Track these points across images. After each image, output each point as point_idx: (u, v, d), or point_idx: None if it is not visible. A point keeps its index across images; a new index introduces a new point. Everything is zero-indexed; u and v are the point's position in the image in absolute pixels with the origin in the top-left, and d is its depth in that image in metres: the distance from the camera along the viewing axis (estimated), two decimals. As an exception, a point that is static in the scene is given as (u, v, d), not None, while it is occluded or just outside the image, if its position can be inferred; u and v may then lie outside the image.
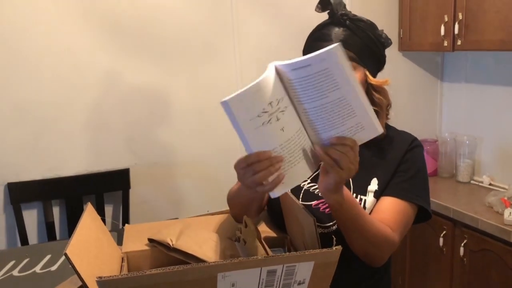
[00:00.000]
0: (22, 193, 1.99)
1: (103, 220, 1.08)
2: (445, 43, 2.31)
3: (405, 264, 2.52)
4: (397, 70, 2.59)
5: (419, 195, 1.13)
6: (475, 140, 2.55)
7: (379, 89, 1.15)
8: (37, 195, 2.03)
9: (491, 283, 2.06)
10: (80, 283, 0.82)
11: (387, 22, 2.55)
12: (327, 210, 1.13)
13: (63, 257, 1.37)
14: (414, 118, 2.74)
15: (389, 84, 1.15)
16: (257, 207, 1.19)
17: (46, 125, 2.01)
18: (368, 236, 1.02)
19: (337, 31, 1.09)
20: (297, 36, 2.35)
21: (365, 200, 1.12)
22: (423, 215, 1.17)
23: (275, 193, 0.90)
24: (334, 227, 1.12)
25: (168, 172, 2.27)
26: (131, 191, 2.17)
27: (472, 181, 2.53)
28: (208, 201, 2.34)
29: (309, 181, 1.18)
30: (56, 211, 2.09)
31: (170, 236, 1.04)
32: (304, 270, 0.82)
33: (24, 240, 2.00)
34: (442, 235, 2.25)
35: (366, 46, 1.10)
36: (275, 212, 1.22)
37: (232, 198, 1.22)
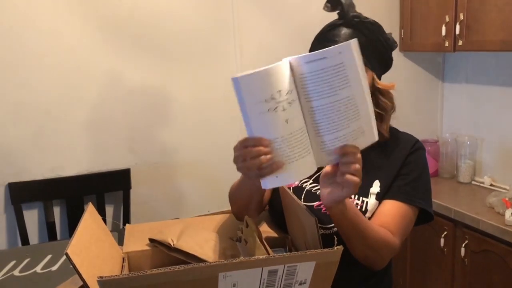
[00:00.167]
0: (23, 193, 1.99)
1: (104, 220, 1.08)
2: (446, 44, 2.31)
3: (406, 265, 2.52)
4: (398, 70, 2.58)
5: (421, 197, 1.13)
6: (476, 140, 2.55)
7: (385, 93, 1.15)
8: (38, 195, 2.03)
9: (492, 284, 2.05)
10: (81, 283, 0.82)
11: (388, 22, 2.55)
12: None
13: (64, 257, 1.37)
14: (415, 118, 2.74)
15: (395, 89, 1.15)
16: (257, 204, 1.18)
17: (47, 125, 2.01)
18: (369, 243, 1.02)
19: (348, 33, 1.08)
20: (298, 37, 2.38)
21: (367, 202, 1.12)
22: (425, 216, 1.17)
23: (266, 184, 0.90)
24: (336, 228, 1.12)
25: (169, 172, 2.27)
26: (132, 191, 2.17)
27: (473, 182, 2.53)
28: (208, 201, 2.34)
29: (311, 181, 1.18)
30: (56, 211, 2.09)
31: (171, 236, 1.04)
32: (305, 270, 0.82)
33: (25, 240, 2.00)
34: (443, 235, 2.25)
35: (376, 49, 1.10)
36: (276, 212, 1.22)
37: (233, 193, 1.21)
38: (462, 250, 2.15)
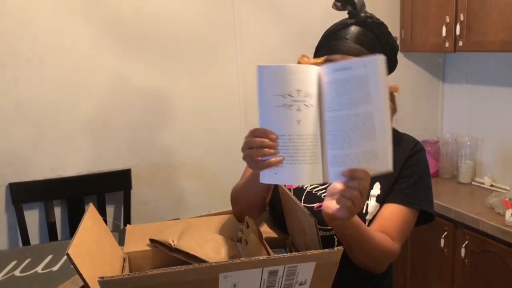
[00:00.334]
0: (24, 193, 2.00)
1: (105, 221, 1.08)
2: (447, 44, 2.31)
3: (406, 265, 2.52)
4: (399, 71, 2.58)
5: (422, 199, 1.13)
6: (476, 141, 2.55)
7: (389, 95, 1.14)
8: (38, 195, 2.03)
9: (492, 284, 2.05)
10: (81, 283, 0.82)
11: (388, 23, 2.52)
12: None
13: (65, 257, 1.37)
14: (416, 119, 2.74)
15: (399, 92, 1.15)
16: (260, 204, 1.18)
17: (48, 125, 2.01)
18: (369, 254, 1.03)
19: (361, 32, 1.07)
20: (298, 38, 2.39)
21: (367, 204, 1.12)
22: (426, 217, 1.17)
23: (263, 178, 0.90)
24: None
25: (170, 172, 2.27)
26: (132, 191, 2.18)
27: (473, 182, 2.53)
28: (209, 201, 2.34)
29: (311, 182, 1.18)
30: (57, 211, 2.09)
31: (172, 236, 1.04)
32: (305, 270, 0.82)
33: (26, 240, 2.00)
34: (443, 236, 2.25)
35: (385, 52, 1.09)
36: (276, 212, 1.22)
37: (237, 193, 1.20)
38: (462, 250, 2.15)
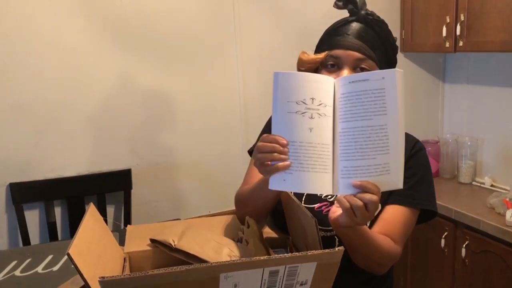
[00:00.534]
0: (24, 193, 2.00)
1: (105, 221, 1.08)
2: (447, 44, 2.31)
3: (406, 265, 2.52)
4: (399, 71, 2.59)
5: (424, 199, 1.13)
6: (476, 141, 2.55)
7: None
8: (39, 196, 2.03)
9: (493, 285, 2.05)
10: (82, 283, 0.82)
11: (388, 23, 2.53)
12: (330, 213, 1.13)
13: (65, 257, 1.38)
14: (416, 119, 2.74)
15: None
16: (268, 210, 1.17)
17: (48, 125, 2.01)
18: (372, 256, 1.03)
19: (362, 29, 1.07)
20: (299, 38, 2.39)
21: None
22: (426, 214, 1.17)
23: (272, 184, 0.90)
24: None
25: (170, 173, 2.27)
26: (132, 191, 2.17)
27: (473, 182, 2.53)
28: (209, 202, 2.34)
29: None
30: (58, 211, 2.09)
31: (172, 236, 1.04)
32: (306, 271, 0.82)
33: (26, 240, 2.00)
34: (443, 236, 2.25)
35: (385, 49, 1.09)
36: (277, 213, 1.21)
37: (246, 197, 1.19)
38: (463, 250, 2.15)
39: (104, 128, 2.11)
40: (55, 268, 1.35)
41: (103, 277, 0.73)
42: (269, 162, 0.89)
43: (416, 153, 1.16)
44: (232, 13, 2.26)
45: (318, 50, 1.13)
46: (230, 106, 2.33)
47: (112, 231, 1.19)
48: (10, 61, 1.92)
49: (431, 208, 1.14)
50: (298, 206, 1.01)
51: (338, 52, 1.06)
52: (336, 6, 1.10)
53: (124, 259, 1.07)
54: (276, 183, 0.89)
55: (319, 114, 0.87)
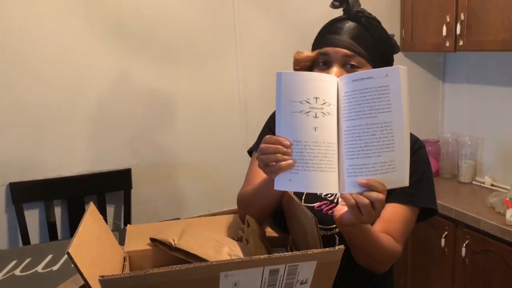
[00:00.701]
0: (24, 193, 2.00)
1: (105, 220, 1.08)
2: (447, 44, 2.31)
3: (406, 265, 2.52)
4: (399, 70, 2.59)
5: (424, 197, 1.13)
6: (477, 140, 2.55)
7: None
8: (39, 195, 2.03)
9: (493, 284, 2.05)
10: (82, 283, 0.82)
11: (388, 22, 2.55)
12: (330, 212, 1.13)
13: (65, 257, 1.38)
14: (416, 118, 2.74)
15: None
16: (272, 211, 1.17)
17: (48, 125, 2.01)
18: (374, 254, 1.03)
19: (352, 26, 1.07)
20: (299, 38, 2.38)
21: None
22: (426, 213, 1.17)
23: (278, 185, 0.90)
24: (337, 229, 1.12)
25: (170, 172, 2.27)
26: (132, 191, 2.17)
27: (473, 182, 2.53)
28: (209, 201, 2.34)
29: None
30: (57, 211, 2.09)
31: (172, 235, 1.04)
32: (306, 269, 0.82)
33: (26, 240, 2.00)
34: (443, 235, 2.25)
35: (377, 46, 1.09)
36: (277, 212, 1.21)
37: (249, 198, 1.18)
38: (463, 250, 2.15)
39: (104, 128, 2.11)
40: (55, 268, 1.35)
41: (103, 276, 0.73)
42: (273, 163, 0.89)
43: (416, 151, 1.16)
44: (232, 13, 2.26)
45: (312, 48, 1.14)
46: (230, 106, 2.33)
47: (112, 231, 1.19)
48: (9, 61, 1.92)
49: (431, 206, 1.14)
50: (298, 205, 1.00)
51: (327, 49, 1.07)
52: (333, 6, 1.11)
53: (124, 258, 1.07)
54: (282, 183, 0.89)
55: (323, 113, 0.87)
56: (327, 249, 0.82)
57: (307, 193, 1.17)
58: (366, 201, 0.85)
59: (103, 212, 2.11)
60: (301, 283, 0.84)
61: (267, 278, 0.81)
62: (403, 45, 2.60)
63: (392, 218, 1.09)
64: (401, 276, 2.55)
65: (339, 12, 1.13)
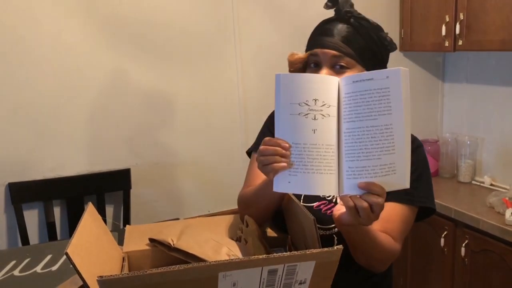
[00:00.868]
0: (23, 193, 1.99)
1: (104, 220, 1.08)
2: (446, 43, 2.31)
3: (406, 265, 2.52)
4: (398, 70, 2.59)
5: (423, 196, 1.13)
6: (476, 140, 2.55)
7: None
8: (38, 195, 2.03)
9: (492, 284, 2.05)
10: (81, 283, 0.82)
11: (388, 22, 2.55)
12: (329, 211, 1.13)
13: (64, 257, 1.37)
14: (415, 118, 2.73)
15: None
16: (272, 212, 1.17)
17: (47, 125, 2.01)
18: (372, 253, 1.04)
19: (340, 27, 1.08)
20: (298, 38, 2.35)
21: None
22: (424, 212, 1.17)
23: (277, 186, 0.90)
24: (336, 229, 1.12)
25: (169, 172, 2.27)
26: (132, 191, 2.17)
27: (473, 182, 2.53)
28: (209, 201, 2.34)
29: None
30: (57, 211, 2.09)
31: (171, 236, 1.04)
32: (305, 269, 0.82)
33: (25, 240, 2.00)
34: (443, 235, 2.25)
35: (368, 46, 1.09)
36: (276, 212, 1.21)
37: (249, 199, 1.18)
38: (462, 249, 2.15)
39: (103, 128, 2.11)
40: (54, 268, 1.35)
41: (101, 277, 0.72)
42: (272, 165, 0.89)
43: (414, 150, 1.15)
44: (231, 13, 2.26)
45: (306, 50, 1.15)
46: (229, 106, 2.33)
47: (111, 231, 1.19)
48: (9, 61, 1.92)
49: (429, 205, 1.14)
50: (297, 205, 1.00)
51: (316, 50, 1.08)
52: (326, 6, 1.12)
53: (123, 258, 1.07)
54: (281, 185, 0.89)
55: (323, 115, 0.87)
56: (325, 249, 0.82)
57: (305, 193, 1.17)
58: (365, 204, 0.85)
59: (102, 212, 2.11)
60: (300, 283, 0.84)
61: (266, 278, 0.80)
62: (403, 45, 2.60)
63: (391, 217, 1.09)
64: (400, 275, 2.55)
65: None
